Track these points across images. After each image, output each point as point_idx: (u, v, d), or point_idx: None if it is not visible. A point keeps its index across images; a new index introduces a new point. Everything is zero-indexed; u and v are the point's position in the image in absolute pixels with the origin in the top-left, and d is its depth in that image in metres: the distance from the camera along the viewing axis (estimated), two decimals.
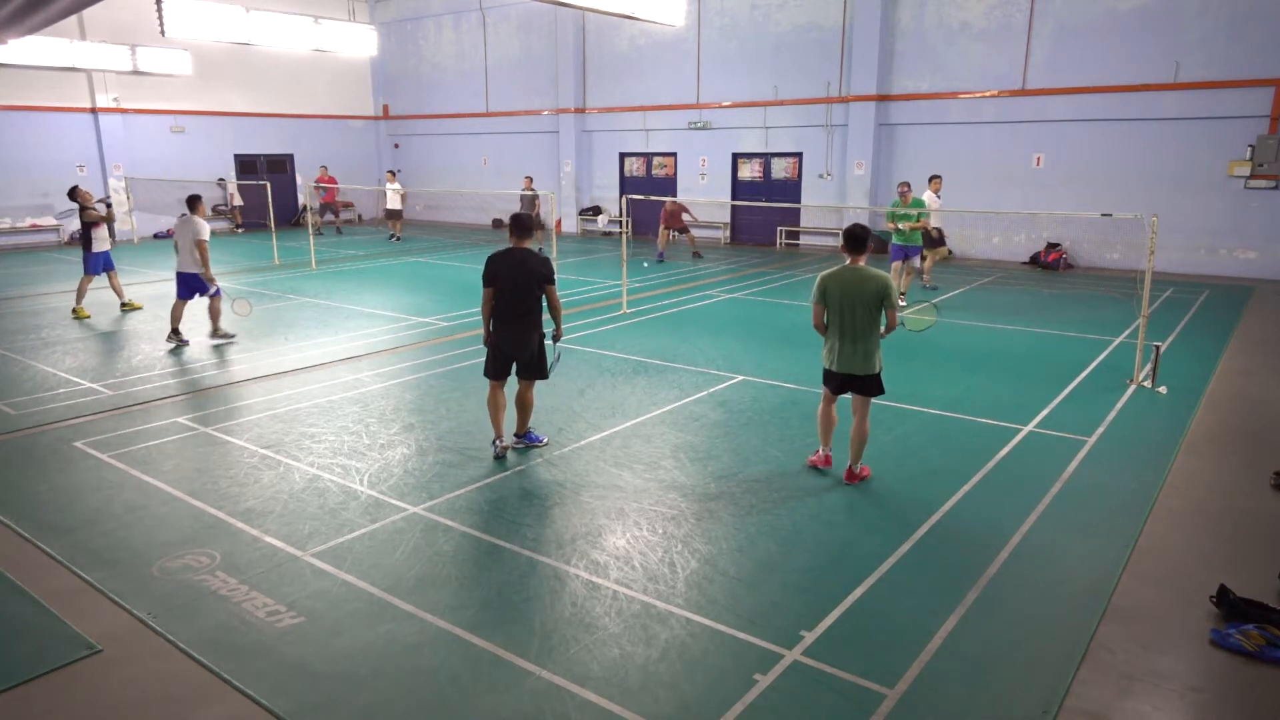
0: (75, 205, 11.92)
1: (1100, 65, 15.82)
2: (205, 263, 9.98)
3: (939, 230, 14.00)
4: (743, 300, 13.29)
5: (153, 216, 22.51)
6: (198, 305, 10.65)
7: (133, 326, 11.31)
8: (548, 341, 6.40)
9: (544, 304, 6.27)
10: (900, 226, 12.45)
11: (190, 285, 10.16)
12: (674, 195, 21.81)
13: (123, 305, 12.31)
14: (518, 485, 5.96)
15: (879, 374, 5.82)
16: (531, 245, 6.21)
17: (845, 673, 3.77)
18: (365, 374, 8.87)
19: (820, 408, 6.13)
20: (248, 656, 3.93)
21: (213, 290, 10.19)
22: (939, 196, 13.78)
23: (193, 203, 10.28)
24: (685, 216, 18.42)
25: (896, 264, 12.69)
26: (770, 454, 6.49)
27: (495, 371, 6.37)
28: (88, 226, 11.71)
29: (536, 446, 6.61)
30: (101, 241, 11.83)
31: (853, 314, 5.64)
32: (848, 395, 5.99)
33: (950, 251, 16.03)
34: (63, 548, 5.01)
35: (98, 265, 11.88)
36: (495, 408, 6.43)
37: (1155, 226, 8.23)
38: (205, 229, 10.01)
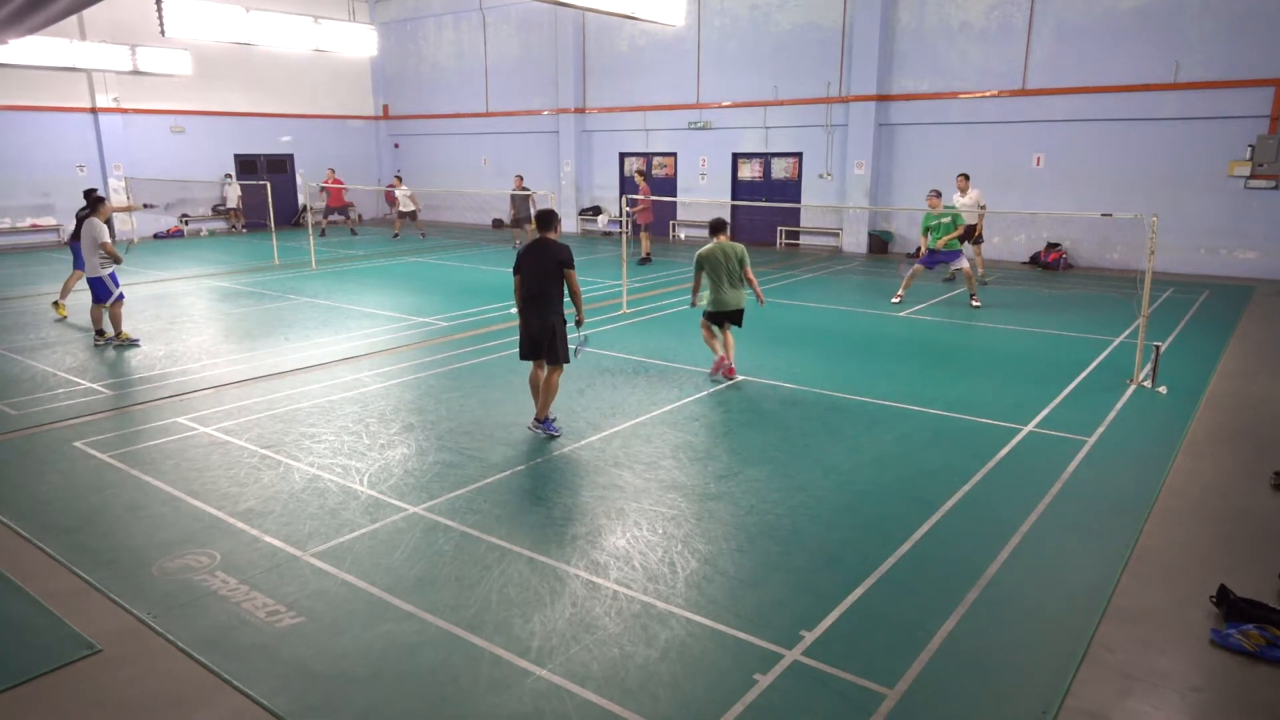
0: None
1: (1100, 65, 15.80)
2: (113, 256, 9.80)
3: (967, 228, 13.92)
4: None
5: (153, 217, 22.51)
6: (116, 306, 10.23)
7: (133, 327, 11.29)
8: (574, 330, 6.81)
9: (564, 289, 6.66)
10: (932, 245, 12.23)
11: (96, 290, 9.96)
12: (673, 195, 21.77)
13: (54, 303, 12.10)
14: (518, 485, 5.96)
15: (743, 309, 8.40)
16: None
17: (845, 673, 3.77)
18: (365, 374, 8.87)
19: (705, 335, 8.56)
20: (248, 656, 3.93)
21: (115, 296, 9.95)
22: (965, 195, 13.76)
23: (95, 203, 9.92)
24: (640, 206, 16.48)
25: (918, 267, 12.61)
26: (770, 454, 6.49)
27: (523, 352, 6.78)
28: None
29: (552, 436, 6.81)
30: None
31: (728, 272, 8.24)
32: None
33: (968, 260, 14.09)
34: (63, 548, 5.01)
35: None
36: (534, 386, 6.88)
37: (1155, 227, 8.23)
38: (104, 231, 9.75)
